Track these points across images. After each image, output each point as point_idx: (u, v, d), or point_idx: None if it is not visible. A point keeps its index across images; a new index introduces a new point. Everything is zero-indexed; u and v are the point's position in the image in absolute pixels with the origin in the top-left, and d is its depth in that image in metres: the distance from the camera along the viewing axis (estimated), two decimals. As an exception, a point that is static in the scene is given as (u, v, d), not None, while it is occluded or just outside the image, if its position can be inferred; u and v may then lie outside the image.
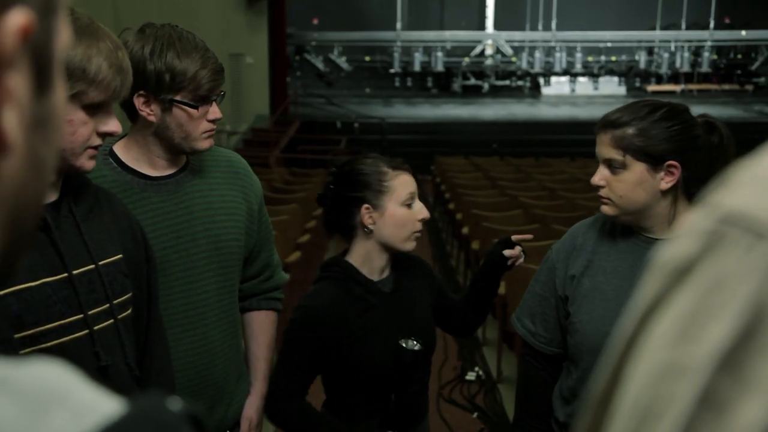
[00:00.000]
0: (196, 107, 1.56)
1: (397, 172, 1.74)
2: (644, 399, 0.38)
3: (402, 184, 1.73)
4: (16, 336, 1.17)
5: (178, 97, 1.55)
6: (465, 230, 6.47)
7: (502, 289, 4.36)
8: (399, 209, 1.72)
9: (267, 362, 1.92)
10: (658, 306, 0.40)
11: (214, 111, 1.61)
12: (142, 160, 1.64)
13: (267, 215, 1.87)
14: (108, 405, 0.34)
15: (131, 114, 1.61)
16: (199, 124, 1.59)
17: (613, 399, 0.41)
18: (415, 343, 1.69)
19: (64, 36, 0.37)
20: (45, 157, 0.37)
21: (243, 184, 1.77)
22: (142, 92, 1.54)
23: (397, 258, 1.82)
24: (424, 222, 1.76)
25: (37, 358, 0.36)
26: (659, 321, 0.39)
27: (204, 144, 1.62)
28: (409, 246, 1.75)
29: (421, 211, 1.74)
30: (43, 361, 0.36)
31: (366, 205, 1.72)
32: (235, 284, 1.77)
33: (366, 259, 1.76)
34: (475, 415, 3.97)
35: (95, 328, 1.29)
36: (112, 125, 1.27)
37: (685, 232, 0.40)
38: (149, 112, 1.56)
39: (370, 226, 1.73)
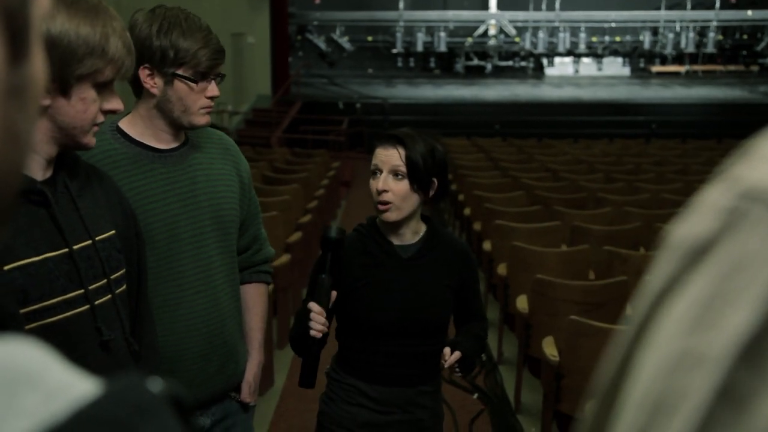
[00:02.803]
0: (195, 81, 1.70)
1: (378, 145, 1.87)
2: (656, 391, 0.35)
3: (373, 156, 1.87)
4: (21, 311, 1.18)
5: (179, 72, 1.69)
6: (467, 211, 6.46)
7: (503, 270, 4.36)
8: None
9: (262, 332, 2.04)
10: (673, 289, 0.37)
11: (213, 89, 1.74)
12: (148, 134, 1.75)
13: (254, 192, 2.00)
14: (82, 386, 0.32)
15: (136, 89, 1.74)
16: (198, 99, 1.72)
17: (621, 390, 0.38)
18: (337, 231, 1.78)
19: (42, 2, 0.36)
20: (22, 127, 0.35)
21: (234, 160, 1.91)
22: (147, 65, 1.68)
23: (439, 236, 1.93)
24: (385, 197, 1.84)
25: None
26: (673, 306, 0.36)
27: (201, 120, 1.75)
28: (382, 215, 1.85)
29: (375, 183, 1.85)
30: (14, 339, 0.34)
31: None
32: (234, 251, 1.90)
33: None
34: (476, 396, 3.98)
35: (96, 303, 1.30)
36: (115, 103, 1.30)
37: (702, 209, 0.37)
38: (153, 84, 1.70)
39: None
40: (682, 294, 0.36)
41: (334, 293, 1.81)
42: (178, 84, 1.69)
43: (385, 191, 1.82)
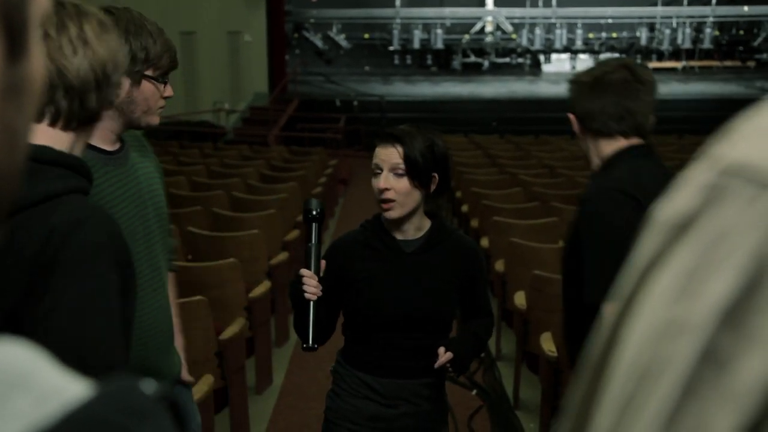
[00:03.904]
0: (164, 83, 1.76)
1: (377, 144, 1.91)
2: (642, 360, 0.36)
3: (374, 155, 1.90)
4: None
5: (148, 73, 1.72)
6: (464, 208, 6.47)
7: (500, 267, 4.36)
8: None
9: (179, 317, 2.11)
10: (657, 264, 0.38)
11: (169, 89, 1.80)
12: (96, 136, 1.73)
13: None
14: (75, 388, 0.32)
15: None
16: (159, 100, 1.77)
17: (609, 362, 0.39)
18: (317, 205, 1.87)
19: (41, 1, 0.35)
20: (20, 125, 0.35)
21: (153, 156, 1.97)
22: None
23: (444, 232, 1.96)
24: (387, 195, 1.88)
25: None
26: (658, 279, 0.38)
27: (157, 120, 1.80)
28: (385, 213, 1.89)
29: (377, 182, 1.88)
30: (6, 341, 0.33)
31: None
32: (169, 246, 1.97)
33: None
34: (474, 392, 3.99)
35: None
36: None
37: (685, 188, 0.39)
38: None
39: None
40: (667, 267, 0.37)
41: (323, 262, 1.87)
42: (146, 85, 1.71)
43: (387, 189, 1.85)
